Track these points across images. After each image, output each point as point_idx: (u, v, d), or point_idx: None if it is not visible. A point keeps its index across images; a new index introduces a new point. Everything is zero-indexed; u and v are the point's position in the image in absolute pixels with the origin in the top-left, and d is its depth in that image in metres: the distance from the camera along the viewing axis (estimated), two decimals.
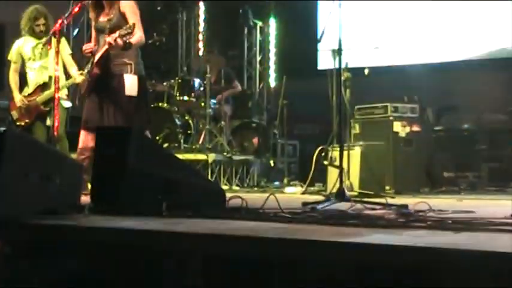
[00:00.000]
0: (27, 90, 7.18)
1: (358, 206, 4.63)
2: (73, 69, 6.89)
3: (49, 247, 3.46)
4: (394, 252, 2.59)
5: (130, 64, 5.77)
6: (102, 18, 5.84)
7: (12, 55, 7.28)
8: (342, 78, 6.71)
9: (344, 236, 2.97)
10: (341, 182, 5.17)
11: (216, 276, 3.02)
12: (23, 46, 7.22)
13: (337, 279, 2.68)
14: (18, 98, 7.15)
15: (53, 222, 3.49)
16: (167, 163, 4.16)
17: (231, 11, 11.25)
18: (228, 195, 4.54)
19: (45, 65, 7.09)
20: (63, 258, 3.39)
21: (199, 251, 3.09)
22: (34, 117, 7.08)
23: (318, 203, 4.75)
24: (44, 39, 6.77)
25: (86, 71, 5.96)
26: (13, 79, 7.27)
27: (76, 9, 5.74)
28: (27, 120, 7.12)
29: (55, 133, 5.67)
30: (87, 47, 5.93)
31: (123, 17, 5.74)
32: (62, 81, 6.77)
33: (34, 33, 7.14)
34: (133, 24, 5.53)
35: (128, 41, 5.53)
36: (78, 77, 6.32)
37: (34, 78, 7.17)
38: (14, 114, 7.20)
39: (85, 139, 5.81)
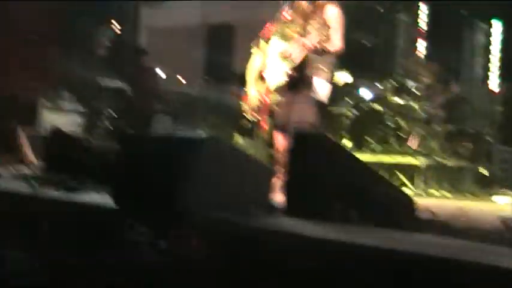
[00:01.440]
0: (262, 88, 7.34)
1: None
2: None
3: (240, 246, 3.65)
4: None
5: (325, 71, 5.86)
6: (304, 25, 5.97)
7: (256, 53, 7.43)
8: None
9: None
10: None
11: None
12: (270, 46, 7.37)
13: None
14: (253, 94, 7.34)
15: (245, 222, 3.67)
16: (357, 170, 4.20)
17: (452, 12, 10.97)
18: (438, 202, 4.45)
19: (283, 67, 7.26)
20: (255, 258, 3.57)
21: (375, 263, 3.11)
22: (264, 115, 7.20)
23: None
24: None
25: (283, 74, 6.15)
26: (252, 74, 7.44)
27: (282, 15, 5.92)
28: (256, 116, 7.31)
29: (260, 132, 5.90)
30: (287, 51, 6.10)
31: (325, 23, 5.81)
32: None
33: (284, 36, 7.28)
34: (330, 30, 5.61)
35: (324, 46, 5.63)
36: None
37: (271, 78, 7.32)
38: (246, 107, 7.43)
39: (278, 139, 6.01)
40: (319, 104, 5.86)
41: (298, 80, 5.92)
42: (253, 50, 7.35)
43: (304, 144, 4.30)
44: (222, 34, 14.34)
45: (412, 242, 3.47)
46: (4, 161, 7.40)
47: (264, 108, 7.10)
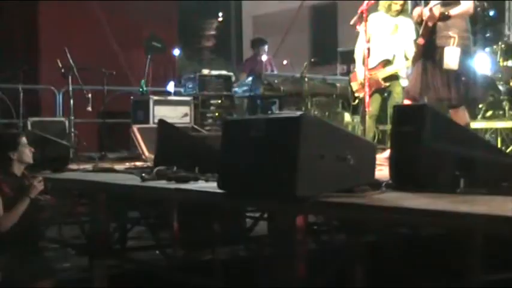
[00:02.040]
0: (370, 63, 7.19)
1: None
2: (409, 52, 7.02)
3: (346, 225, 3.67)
4: None
5: (454, 37, 5.75)
6: None
7: (362, 28, 7.39)
8: None
9: None
10: None
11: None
12: (375, 20, 7.32)
13: None
14: (361, 71, 7.22)
15: (347, 200, 3.66)
16: (464, 139, 4.11)
17: None
18: None
19: (391, 41, 7.21)
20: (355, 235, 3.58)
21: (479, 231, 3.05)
22: (373, 90, 7.10)
23: None
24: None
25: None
26: (358, 51, 7.44)
27: None
28: (364, 93, 7.26)
29: (366, 109, 5.87)
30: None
31: None
32: (399, 61, 6.95)
33: (389, 11, 7.25)
34: None
35: (446, 11, 5.54)
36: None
37: (379, 53, 7.27)
38: (354, 85, 7.44)
39: None
40: (448, 72, 5.76)
41: (427, 48, 5.86)
42: (358, 28, 7.29)
43: (407, 116, 4.23)
44: (326, 14, 14.29)
45: None
46: (121, 156, 7.71)
47: (372, 85, 7.05)
